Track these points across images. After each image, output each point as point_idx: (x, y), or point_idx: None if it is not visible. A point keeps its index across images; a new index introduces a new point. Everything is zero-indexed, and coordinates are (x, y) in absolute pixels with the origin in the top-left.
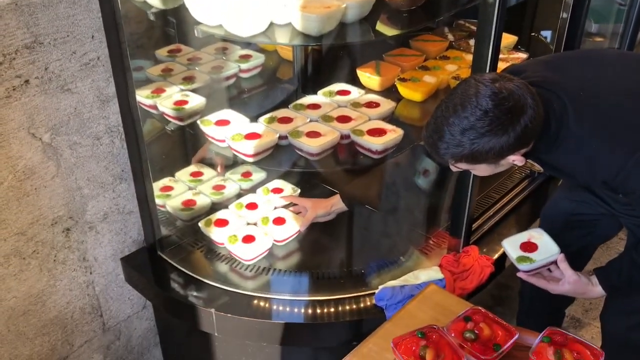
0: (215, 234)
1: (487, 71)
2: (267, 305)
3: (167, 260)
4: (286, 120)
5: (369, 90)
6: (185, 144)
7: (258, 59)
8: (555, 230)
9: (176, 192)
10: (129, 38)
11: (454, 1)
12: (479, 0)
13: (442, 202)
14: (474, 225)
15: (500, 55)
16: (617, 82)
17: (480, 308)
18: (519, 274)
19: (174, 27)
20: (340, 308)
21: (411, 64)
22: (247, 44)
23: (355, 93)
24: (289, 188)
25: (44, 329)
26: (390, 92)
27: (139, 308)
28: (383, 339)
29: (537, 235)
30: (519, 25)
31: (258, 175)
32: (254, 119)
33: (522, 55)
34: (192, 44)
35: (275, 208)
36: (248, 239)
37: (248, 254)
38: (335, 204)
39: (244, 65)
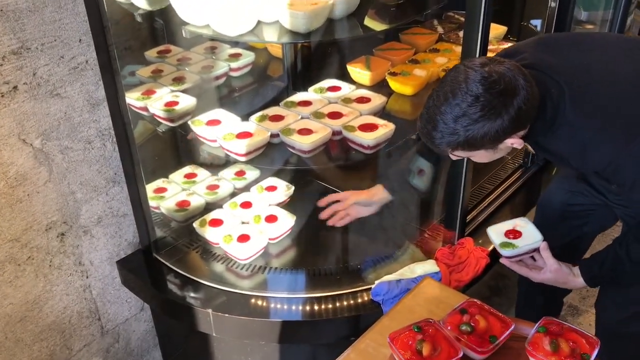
0: (210, 234)
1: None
2: (264, 303)
3: (162, 262)
4: (277, 118)
5: (359, 86)
6: (177, 144)
7: (248, 57)
8: (551, 221)
9: (170, 193)
10: (117, 40)
11: None
12: None
13: (436, 195)
14: (469, 217)
15: (490, 46)
16: (613, 67)
17: (475, 300)
18: (502, 260)
19: (163, 27)
20: (337, 304)
21: (401, 57)
22: (236, 42)
23: (346, 89)
24: (283, 185)
25: (42, 334)
26: (381, 86)
27: (137, 310)
28: (380, 334)
29: (522, 223)
30: (509, 15)
31: (252, 173)
32: (245, 117)
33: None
34: (181, 44)
35: (270, 205)
36: (243, 238)
37: (243, 253)
38: (376, 194)
39: (234, 64)
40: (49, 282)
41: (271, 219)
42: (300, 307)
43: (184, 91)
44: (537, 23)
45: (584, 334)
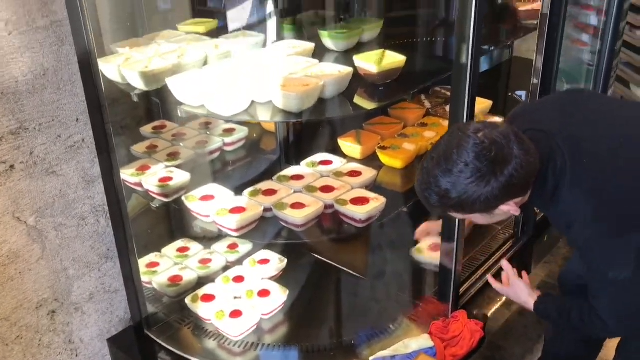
0: (202, 310)
1: None
2: None
3: (154, 339)
4: (270, 192)
5: (350, 159)
6: (170, 219)
7: (241, 132)
8: (572, 292)
9: (162, 267)
10: (113, 119)
11: (429, 73)
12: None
13: (429, 267)
14: (462, 289)
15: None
16: (622, 142)
17: None
18: None
19: (158, 105)
20: None
21: (390, 132)
22: None
23: (338, 162)
24: (275, 258)
25: None
26: (371, 160)
27: None
28: None
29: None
30: (494, 88)
31: (244, 246)
32: (239, 192)
33: (498, 119)
34: (176, 120)
35: (263, 279)
36: (235, 314)
37: (236, 329)
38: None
39: (227, 139)
40: None
41: (264, 293)
42: None
43: (178, 166)
44: (521, 94)
45: None
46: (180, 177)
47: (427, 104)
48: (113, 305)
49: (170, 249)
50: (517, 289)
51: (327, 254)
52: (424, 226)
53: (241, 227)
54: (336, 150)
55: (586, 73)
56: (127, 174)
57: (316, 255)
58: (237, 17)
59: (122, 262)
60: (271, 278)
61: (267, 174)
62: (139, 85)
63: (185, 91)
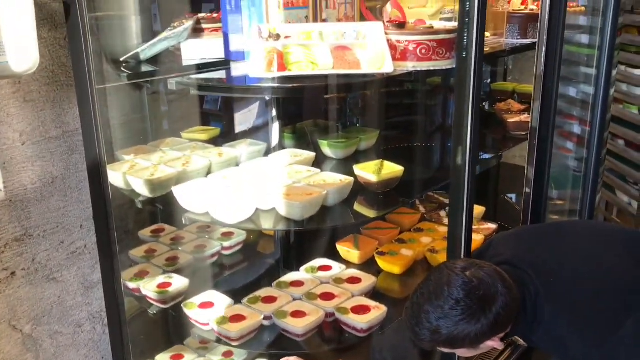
0: None
1: (463, 241)
2: None
3: None
4: (270, 299)
5: (348, 264)
6: (167, 325)
7: (240, 236)
8: None
9: None
10: (117, 225)
11: (427, 181)
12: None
13: None
14: None
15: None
16: (585, 260)
17: None
18: None
19: (159, 210)
20: None
21: (387, 237)
22: None
23: (337, 268)
24: None
25: None
26: (369, 264)
27: None
28: None
29: None
30: (485, 194)
31: (240, 354)
32: (238, 298)
33: (492, 226)
34: (175, 224)
35: None
36: None
37: None
38: None
39: (226, 243)
40: None
41: None
42: None
43: (176, 271)
44: (512, 196)
45: None
46: (179, 283)
47: (422, 209)
48: None
49: (165, 356)
50: None
51: None
52: None
53: (241, 337)
54: (334, 254)
55: (573, 179)
56: (126, 279)
57: None
58: (239, 126)
59: None
60: None
61: (266, 279)
62: (144, 192)
63: (190, 199)
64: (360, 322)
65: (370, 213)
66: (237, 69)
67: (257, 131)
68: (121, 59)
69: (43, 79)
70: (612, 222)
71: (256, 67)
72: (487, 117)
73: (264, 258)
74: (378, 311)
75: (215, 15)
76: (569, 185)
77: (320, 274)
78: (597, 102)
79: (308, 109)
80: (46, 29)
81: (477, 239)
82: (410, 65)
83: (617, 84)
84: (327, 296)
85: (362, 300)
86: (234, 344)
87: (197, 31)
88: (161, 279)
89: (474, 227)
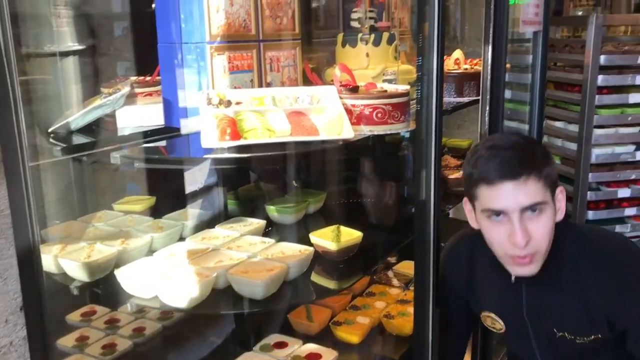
0: None
1: (431, 307)
2: None
3: None
4: None
5: (304, 337)
6: None
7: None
8: None
9: None
10: (49, 315)
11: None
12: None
13: None
14: None
15: None
16: None
17: None
18: None
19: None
20: None
21: (340, 304)
22: None
23: (293, 344)
24: None
25: None
26: (324, 334)
27: None
28: None
29: None
30: None
31: None
32: None
33: None
34: (107, 303)
35: None
36: None
37: None
38: None
39: (167, 322)
40: None
41: None
42: None
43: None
44: None
45: None
46: None
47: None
48: None
49: None
50: None
51: None
52: None
53: None
54: (287, 328)
55: None
56: None
57: None
58: (178, 193)
59: None
60: None
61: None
62: (81, 276)
63: (135, 283)
64: None
65: (331, 285)
66: (182, 139)
67: (197, 198)
68: (49, 130)
69: None
70: None
71: (208, 136)
72: None
73: (210, 336)
74: None
75: (148, 78)
76: None
77: (277, 352)
78: None
79: (255, 174)
80: None
81: None
82: (366, 130)
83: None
84: None
85: None
86: None
87: (129, 96)
88: None
89: None
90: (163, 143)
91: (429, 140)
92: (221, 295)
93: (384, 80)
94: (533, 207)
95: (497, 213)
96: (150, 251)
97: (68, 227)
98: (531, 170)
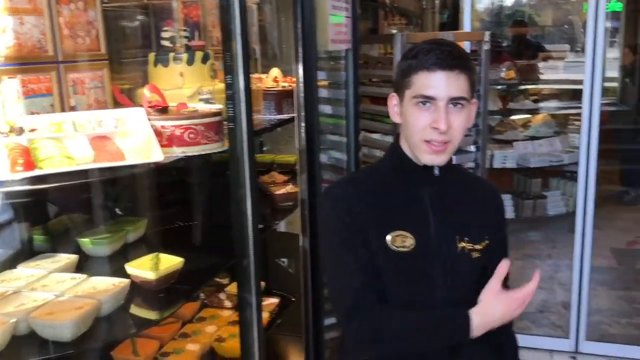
0: None
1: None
2: None
3: None
4: None
5: None
6: None
7: None
8: None
9: None
10: None
11: (209, 267)
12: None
13: None
14: None
15: None
16: None
17: None
18: None
19: None
20: None
21: (169, 333)
22: None
23: None
24: None
25: None
26: None
27: None
28: None
29: None
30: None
31: None
32: None
33: (274, 300)
34: None
35: None
36: None
37: None
38: None
39: None
40: None
41: None
42: None
43: None
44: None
45: None
46: None
47: (201, 295)
48: None
49: None
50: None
51: None
52: None
53: None
54: None
55: None
56: None
57: None
58: None
59: None
60: None
61: None
62: None
63: None
64: None
65: (152, 315)
66: None
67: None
68: None
69: None
70: None
71: None
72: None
73: None
74: None
75: None
76: None
77: None
78: (350, 167)
79: (62, 205)
80: None
81: (264, 316)
82: (178, 151)
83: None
84: None
85: None
86: None
87: None
88: None
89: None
90: None
91: (242, 158)
92: (24, 342)
93: (200, 100)
94: (458, 101)
95: (427, 101)
96: None
97: None
98: (464, 68)
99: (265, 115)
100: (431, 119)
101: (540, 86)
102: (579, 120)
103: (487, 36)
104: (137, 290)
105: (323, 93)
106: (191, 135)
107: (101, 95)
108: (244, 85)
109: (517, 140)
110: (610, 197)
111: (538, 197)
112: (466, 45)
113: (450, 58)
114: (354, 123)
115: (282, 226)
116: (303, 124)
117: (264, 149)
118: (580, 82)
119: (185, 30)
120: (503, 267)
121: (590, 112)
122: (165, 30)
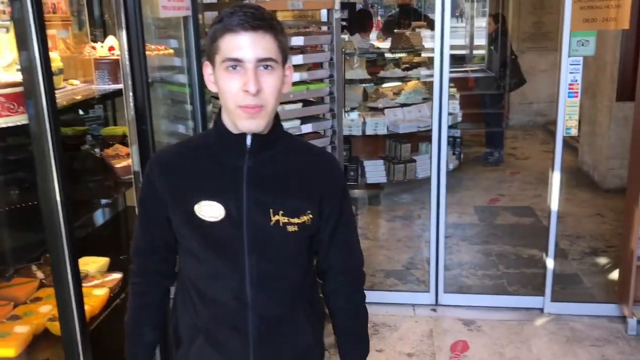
0: None
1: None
2: None
3: None
4: None
5: None
6: None
7: None
8: None
9: None
10: None
11: (31, 250)
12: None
13: None
14: None
15: (95, 281)
16: None
17: None
18: None
19: None
20: None
21: None
22: None
23: None
24: None
25: None
26: None
27: None
28: None
29: None
30: (111, 244)
31: None
32: None
33: (117, 276)
34: None
35: None
36: None
37: None
38: None
39: None
40: None
41: None
42: None
43: None
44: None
45: None
46: None
47: (40, 275)
48: None
49: None
50: None
51: None
52: None
53: None
54: None
55: None
56: None
57: None
58: None
59: None
60: None
61: None
62: None
63: None
64: None
65: None
66: None
67: None
68: None
69: None
70: None
71: None
72: (99, 164)
73: None
74: None
75: None
76: None
77: None
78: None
79: None
80: None
81: (102, 293)
82: None
83: None
84: None
85: None
86: None
87: None
88: None
89: (97, 281)
90: None
91: (43, 132)
92: None
93: (19, 70)
94: (267, 62)
95: (236, 64)
96: None
97: None
98: (269, 28)
99: (99, 85)
100: (241, 82)
101: (412, 54)
102: (453, 87)
103: (338, 4)
104: None
105: (176, 62)
106: None
107: None
108: (40, 55)
109: (388, 108)
110: (478, 159)
111: (408, 162)
112: (323, 14)
113: (253, 19)
114: (200, 90)
115: (134, 201)
116: (131, 94)
117: (120, 122)
118: (455, 47)
119: None
120: None
121: (441, 79)
122: None
